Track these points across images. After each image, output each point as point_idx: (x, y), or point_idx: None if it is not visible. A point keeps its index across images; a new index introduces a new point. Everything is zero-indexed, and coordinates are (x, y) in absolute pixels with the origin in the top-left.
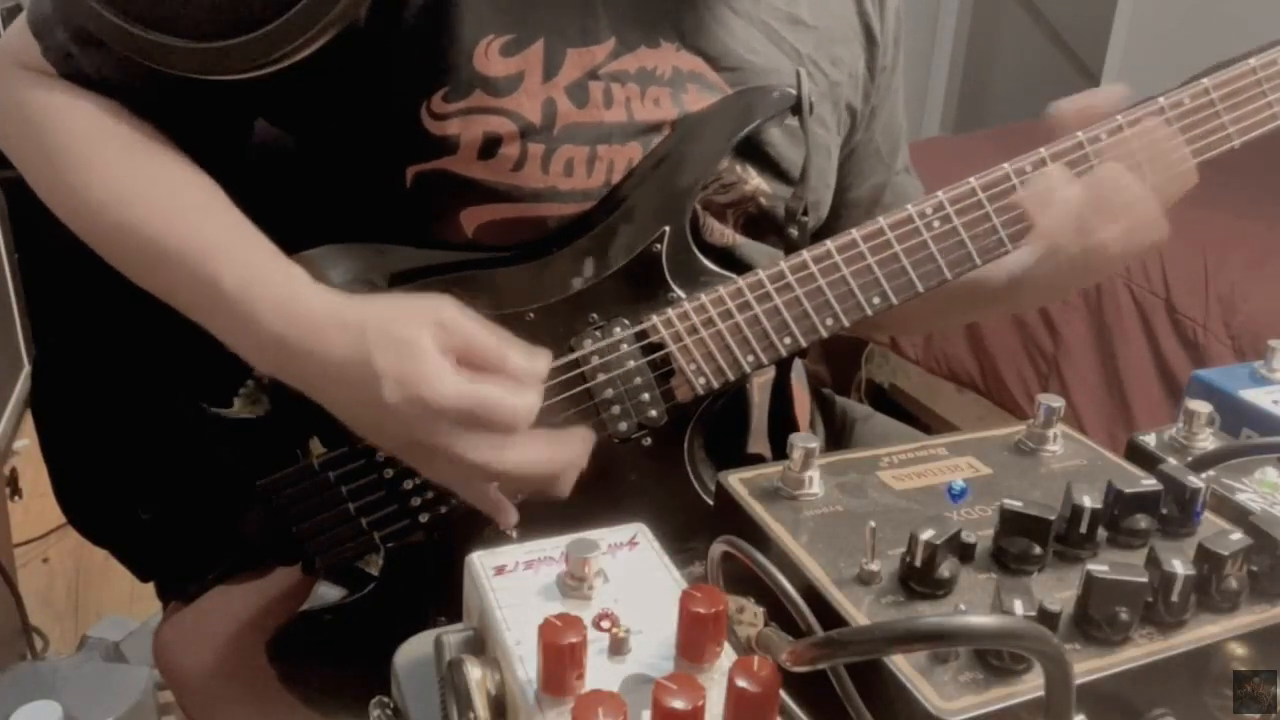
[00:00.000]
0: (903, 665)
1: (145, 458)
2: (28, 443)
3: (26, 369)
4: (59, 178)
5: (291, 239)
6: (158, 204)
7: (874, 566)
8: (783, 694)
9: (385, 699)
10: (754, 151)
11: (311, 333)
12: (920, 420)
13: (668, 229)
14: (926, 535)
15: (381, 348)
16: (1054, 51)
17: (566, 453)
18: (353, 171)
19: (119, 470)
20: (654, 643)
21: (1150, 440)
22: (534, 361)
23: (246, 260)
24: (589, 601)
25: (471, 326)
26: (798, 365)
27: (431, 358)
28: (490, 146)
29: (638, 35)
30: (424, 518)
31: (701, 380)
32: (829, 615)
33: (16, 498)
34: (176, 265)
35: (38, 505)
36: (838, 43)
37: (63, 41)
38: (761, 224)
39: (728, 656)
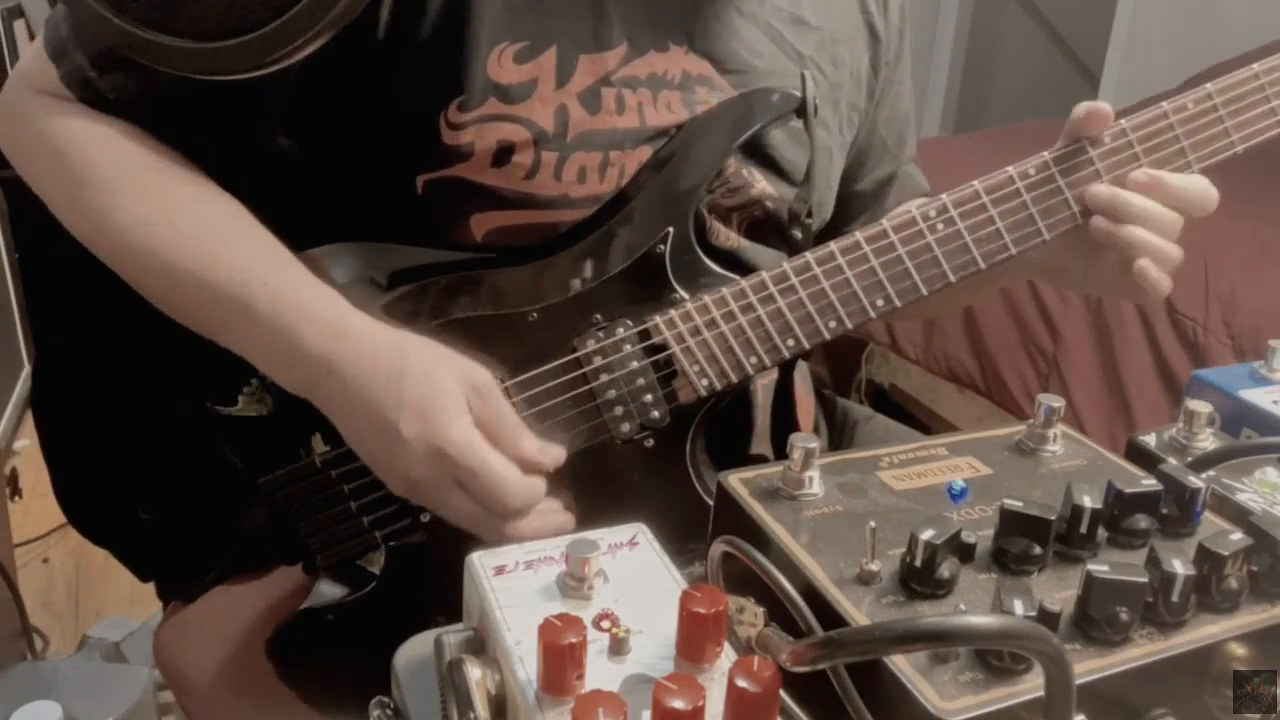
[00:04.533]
0: (903, 665)
1: (145, 457)
2: (28, 443)
3: (26, 369)
4: (82, 202)
5: (300, 243)
6: (184, 226)
7: (874, 566)
8: (783, 694)
9: (385, 699)
10: (758, 154)
11: (354, 354)
12: (920, 420)
13: (671, 230)
14: (926, 535)
15: (415, 379)
16: (1054, 51)
17: (552, 526)
18: (363, 178)
19: (119, 470)
20: (654, 643)
21: (1150, 440)
22: (547, 452)
23: (279, 281)
24: (589, 601)
25: (502, 402)
26: (801, 367)
27: (459, 409)
28: (504, 154)
29: (648, 40)
30: (425, 516)
31: (704, 381)
32: (829, 615)
33: (16, 498)
34: (205, 288)
35: (38, 505)
36: (839, 42)
37: (80, 65)
38: (765, 227)
39: (728, 656)
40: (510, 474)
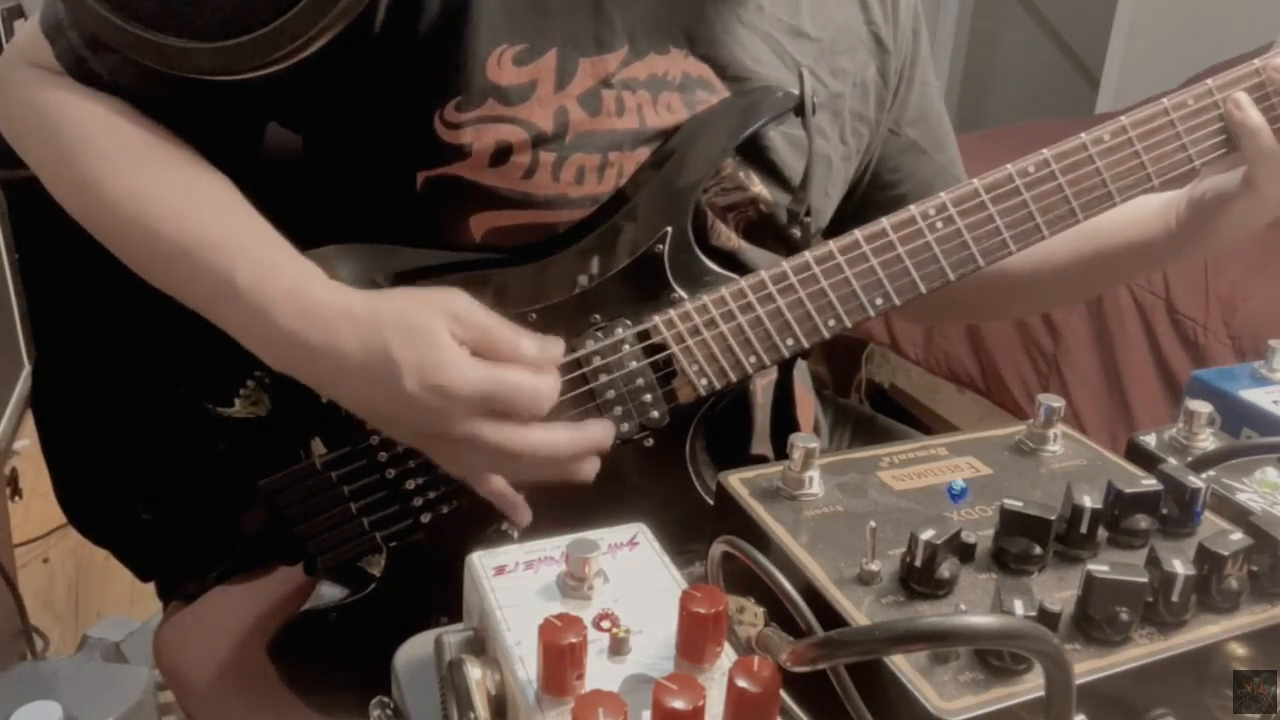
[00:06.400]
0: (903, 665)
1: (145, 457)
2: (28, 443)
3: (26, 369)
4: (72, 175)
5: (300, 241)
6: (172, 200)
7: (874, 566)
8: (783, 694)
9: (385, 699)
10: (756, 156)
11: (325, 327)
12: (920, 420)
13: (670, 229)
14: (927, 535)
15: (398, 339)
16: (1054, 51)
17: (587, 436)
18: (362, 175)
19: (119, 470)
20: (654, 643)
21: (1150, 440)
22: (548, 347)
23: (261, 256)
24: (589, 601)
25: (484, 316)
26: (801, 367)
27: (449, 346)
28: (502, 154)
29: (649, 42)
30: (426, 518)
31: (704, 381)
32: (829, 615)
33: (16, 498)
34: (191, 261)
35: (38, 505)
36: (841, 53)
37: (75, 44)
38: (762, 229)
39: (728, 656)
40: (524, 377)
